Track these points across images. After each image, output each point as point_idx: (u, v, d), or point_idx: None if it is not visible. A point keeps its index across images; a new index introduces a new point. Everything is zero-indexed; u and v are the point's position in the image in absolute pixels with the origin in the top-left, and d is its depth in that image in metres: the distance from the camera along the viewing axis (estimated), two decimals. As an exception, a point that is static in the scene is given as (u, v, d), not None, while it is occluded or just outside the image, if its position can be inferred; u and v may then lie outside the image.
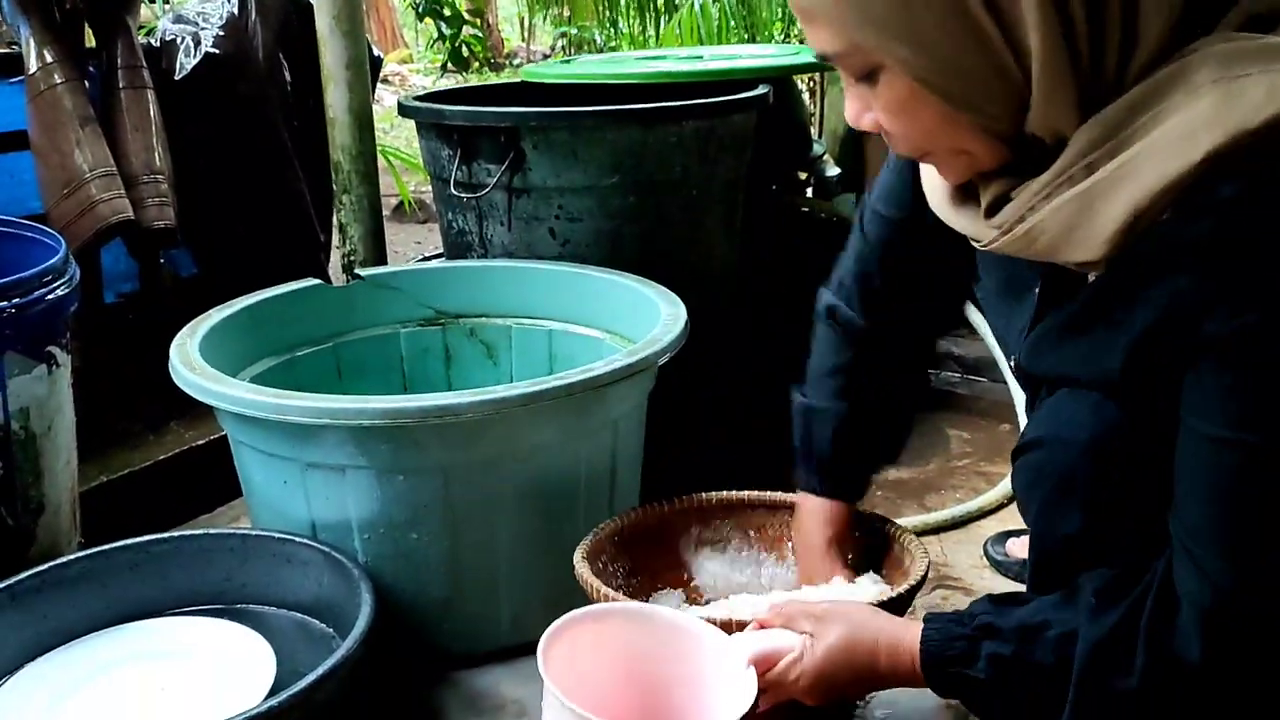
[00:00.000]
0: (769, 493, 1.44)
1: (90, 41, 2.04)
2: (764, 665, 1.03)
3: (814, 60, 2.30)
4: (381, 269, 1.91)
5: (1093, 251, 0.79)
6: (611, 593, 1.21)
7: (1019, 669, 0.92)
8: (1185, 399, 0.81)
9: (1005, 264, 1.00)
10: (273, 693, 1.19)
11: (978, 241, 0.90)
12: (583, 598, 1.24)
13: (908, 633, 1.00)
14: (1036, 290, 0.97)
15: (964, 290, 1.19)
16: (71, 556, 1.39)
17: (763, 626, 1.07)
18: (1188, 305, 0.77)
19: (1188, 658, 0.83)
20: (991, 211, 0.87)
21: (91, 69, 2.00)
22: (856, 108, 0.88)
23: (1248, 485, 0.78)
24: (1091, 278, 0.90)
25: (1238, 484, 0.79)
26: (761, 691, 1.01)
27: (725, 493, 1.46)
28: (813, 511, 1.31)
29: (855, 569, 1.31)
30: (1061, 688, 0.89)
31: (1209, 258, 0.75)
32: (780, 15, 4.98)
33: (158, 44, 2.19)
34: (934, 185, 0.97)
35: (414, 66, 8.47)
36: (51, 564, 1.37)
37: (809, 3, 0.80)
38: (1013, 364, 1.03)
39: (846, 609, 1.09)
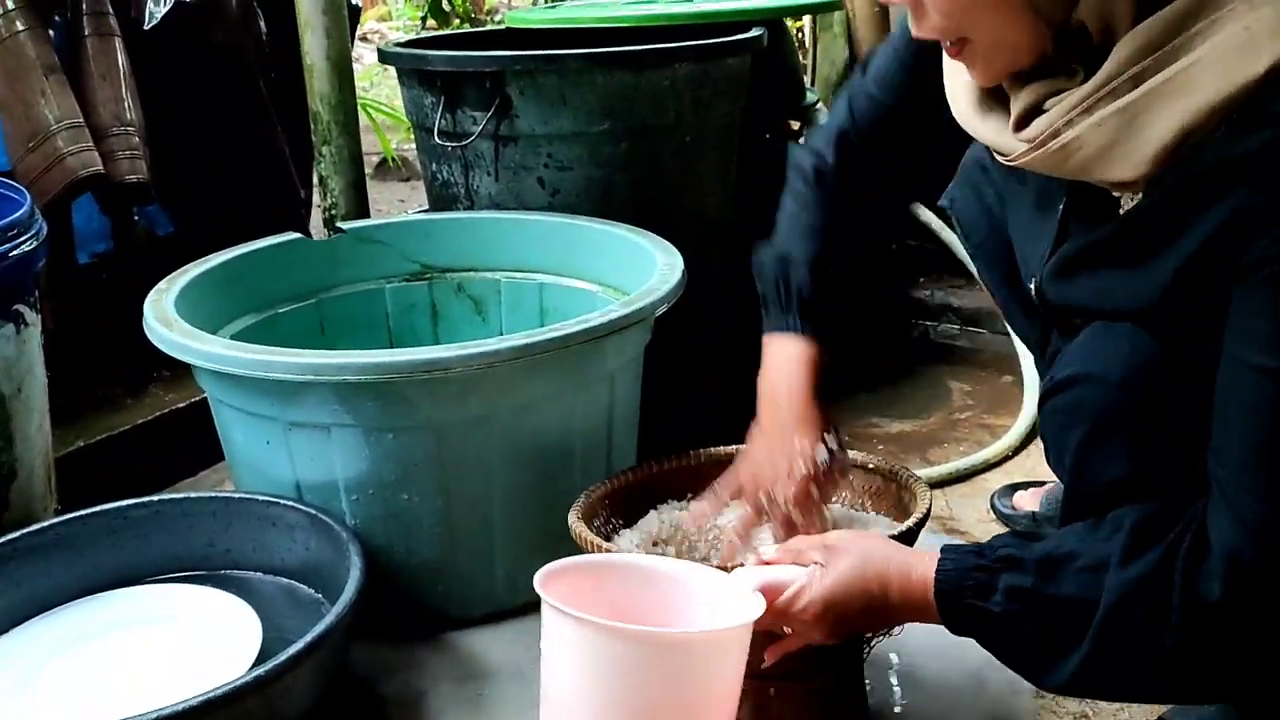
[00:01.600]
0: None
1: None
2: (770, 595, 0.96)
3: (806, 2, 2.23)
4: (364, 222, 1.85)
5: (1134, 170, 0.74)
6: (611, 547, 1.16)
7: (1038, 603, 0.86)
8: (1231, 325, 0.76)
9: (1029, 178, 0.95)
10: (259, 661, 1.14)
11: (1003, 155, 0.85)
12: (580, 546, 1.19)
13: (921, 563, 0.93)
14: (1060, 209, 0.92)
15: (947, 173, 1.13)
16: (47, 523, 1.34)
17: (768, 565, 1.01)
18: (1240, 224, 0.72)
19: (1209, 599, 0.78)
20: (1023, 123, 0.81)
21: (56, 16, 1.91)
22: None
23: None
24: (1124, 199, 0.84)
25: (1277, 417, 0.74)
26: (769, 635, 0.96)
27: (723, 448, 1.40)
28: (792, 355, 1.16)
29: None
30: (1081, 623, 0.84)
31: (1266, 173, 0.70)
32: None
33: (125, -9, 2.10)
34: (958, 91, 0.91)
35: (393, 24, 8.32)
36: (25, 530, 1.32)
37: None
38: (1032, 287, 0.97)
39: (858, 537, 1.02)
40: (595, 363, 1.36)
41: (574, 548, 1.20)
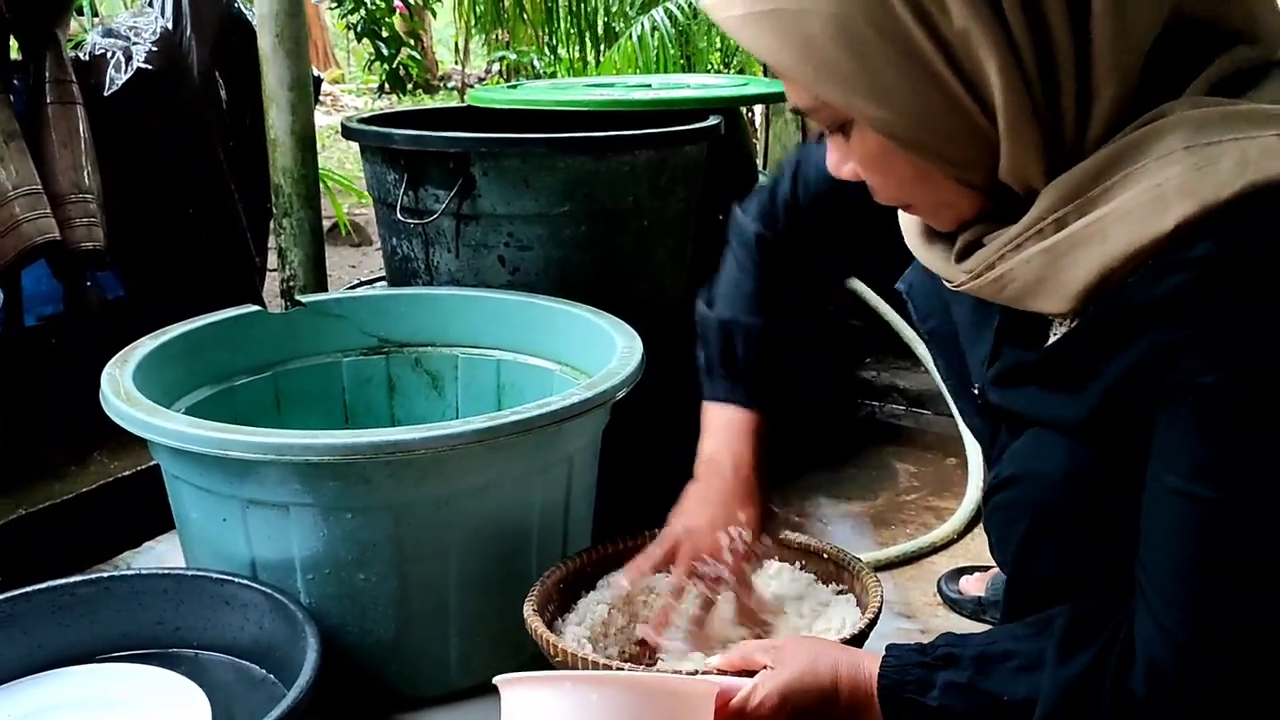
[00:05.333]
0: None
1: (15, 54, 1.95)
2: (723, 698, 0.98)
3: (763, 92, 2.31)
4: (323, 295, 1.86)
5: (1060, 305, 0.80)
6: (566, 645, 1.16)
7: (974, 698, 0.90)
8: (1155, 447, 0.81)
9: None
10: (210, 745, 1.13)
11: (949, 281, 0.90)
12: (533, 641, 1.19)
13: (868, 660, 0.97)
14: (994, 329, 0.97)
15: (890, 253, 1.18)
16: (-11, 599, 1.31)
17: (720, 673, 1.04)
18: (1157, 357, 0.77)
19: (1135, 701, 0.82)
20: (963, 256, 0.87)
21: (17, 83, 1.91)
22: (836, 158, 0.88)
23: (1209, 541, 0.78)
24: (1055, 322, 0.90)
25: (1199, 539, 0.78)
26: None
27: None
28: (735, 424, 1.19)
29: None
30: (1015, 718, 0.87)
31: (1181, 313, 0.74)
32: (719, 46, 5.01)
33: (87, 58, 2.10)
34: (907, 225, 0.97)
35: (346, 87, 8.36)
36: (-33, 607, 1.29)
37: (776, 60, 0.79)
38: (977, 391, 1.02)
39: (804, 639, 1.07)
40: (555, 445, 1.38)
41: (527, 633, 1.21)
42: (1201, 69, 0.76)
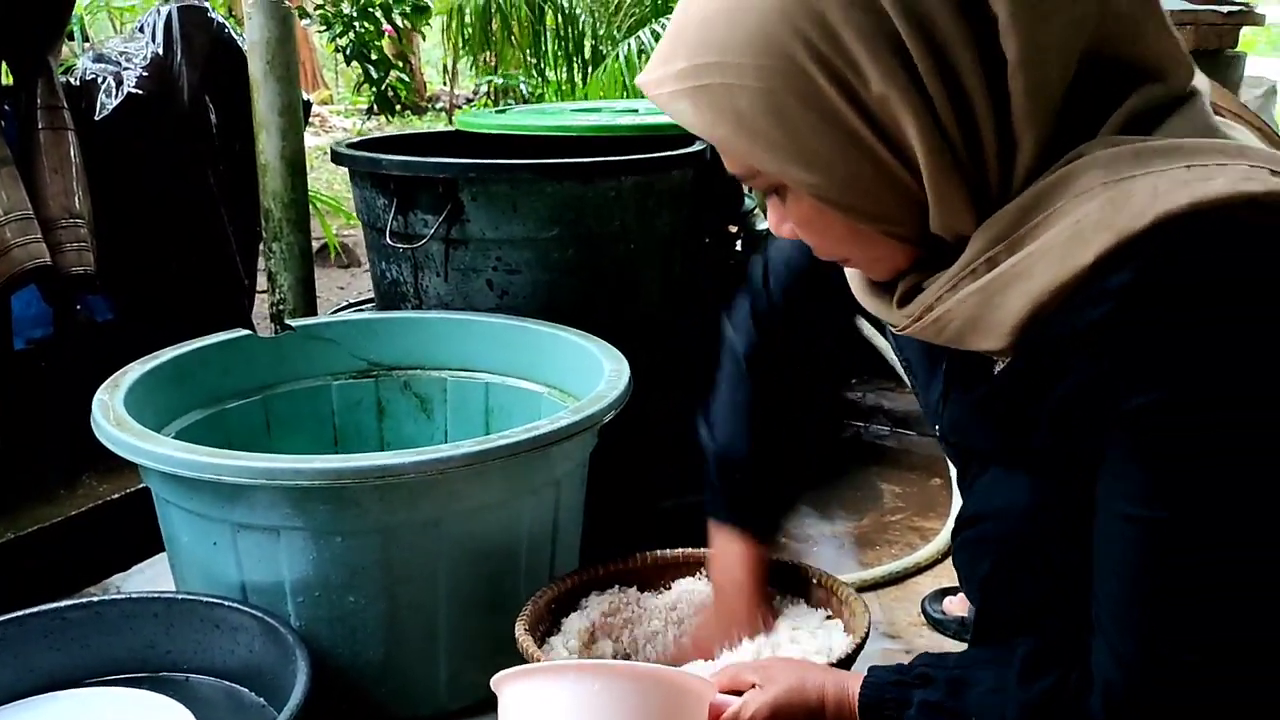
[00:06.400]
0: (703, 549, 1.42)
1: (7, 79, 1.97)
2: (714, 712, 1.02)
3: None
4: (313, 319, 1.87)
5: (996, 341, 0.82)
6: (559, 664, 1.17)
7: (946, 716, 0.94)
8: (1100, 477, 0.83)
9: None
10: (200, 768, 1.14)
11: (893, 326, 0.93)
12: (523, 661, 1.21)
13: (851, 679, 1.02)
14: (943, 369, 1.01)
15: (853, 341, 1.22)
16: (-20, 623, 1.32)
17: None
18: (1088, 389, 0.79)
19: None
20: (903, 302, 0.90)
21: (8, 108, 1.93)
22: (775, 218, 0.90)
23: (1153, 563, 0.80)
24: (998, 360, 0.93)
25: (1146, 562, 0.80)
26: None
27: (663, 551, 1.44)
28: (735, 553, 1.28)
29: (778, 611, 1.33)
30: None
31: (1103, 343, 0.77)
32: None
33: (78, 83, 2.12)
34: (852, 274, 1.00)
35: (334, 108, 8.38)
36: (-42, 632, 1.29)
37: (710, 133, 0.82)
38: (936, 431, 1.05)
39: (792, 660, 1.10)
40: (543, 468, 1.39)
41: (517, 651, 1.22)
42: (1114, 107, 0.79)
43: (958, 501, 1.96)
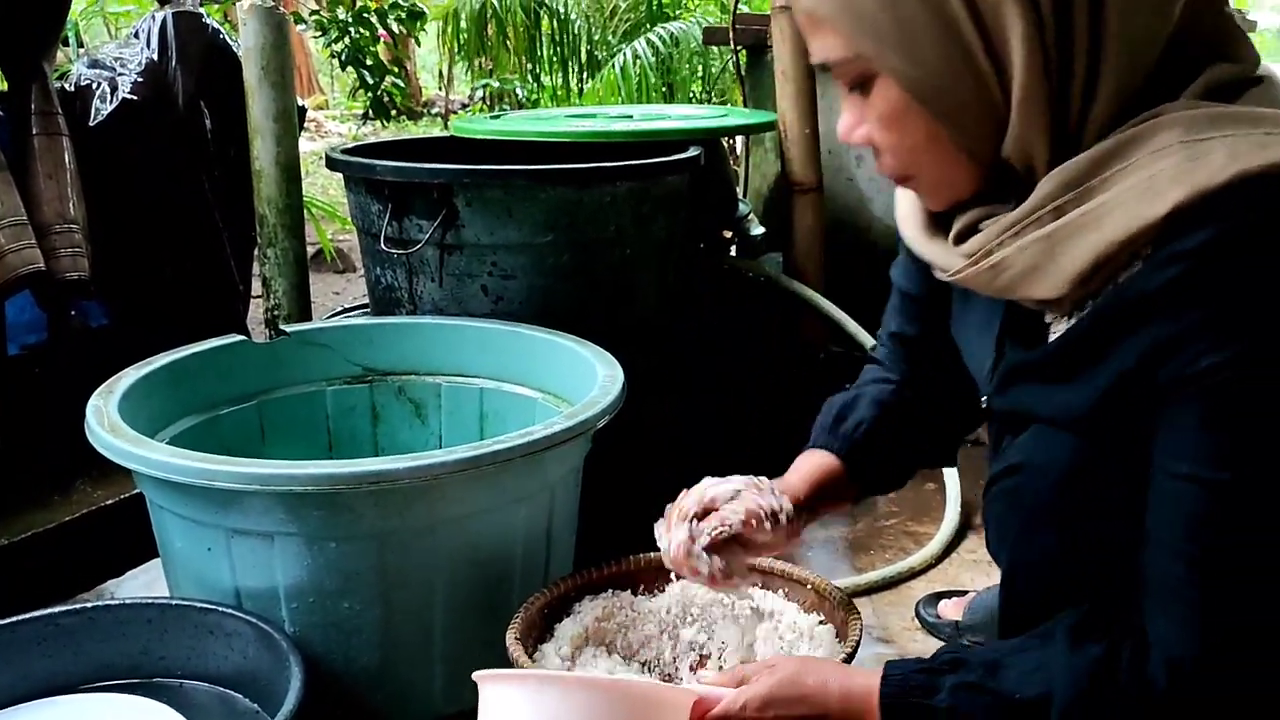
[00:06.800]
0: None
1: (1, 85, 1.97)
2: (704, 707, 0.99)
3: (742, 123, 2.34)
4: (307, 325, 1.87)
5: (1054, 290, 0.83)
6: (550, 675, 1.17)
7: (983, 696, 0.89)
8: (1158, 441, 0.82)
9: (973, 301, 1.03)
10: (194, 774, 1.13)
11: (944, 271, 0.93)
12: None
13: (860, 676, 0.97)
14: (995, 337, 1.00)
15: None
16: (-27, 629, 1.31)
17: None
18: (1162, 349, 0.79)
19: (1155, 693, 0.82)
20: (960, 239, 0.91)
21: (2, 113, 1.93)
22: (850, 121, 0.91)
23: (1217, 527, 0.79)
24: (1049, 320, 0.92)
25: (1207, 526, 0.80)
26: None
27: (657, 554, 1.44)
28: (811, 456, 1.20)
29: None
30: (1031, 716, 0.86)
31: (1181, 302, 0.77)
32: (699, 75, 5.07)
33: (72, 89, 2.12)
34: (907, 214, 1.00)
35: (330, 113, 8.39)
36: (-49, 638, 1.29)
37: (817, 10, 0.85)
38: (984, 401, 1.03)
39: (796, 657, 1.07)
40: (538, 474, 1.39)
41: (510, 662, 1.22)
42: (1191, 81, 0.82)
43: (953, 506, 1.96)
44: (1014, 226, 0.84)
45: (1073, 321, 0.88)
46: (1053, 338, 0.92)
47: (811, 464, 1.20)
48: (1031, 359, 0.93)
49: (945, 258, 0.93)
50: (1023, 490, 0.95)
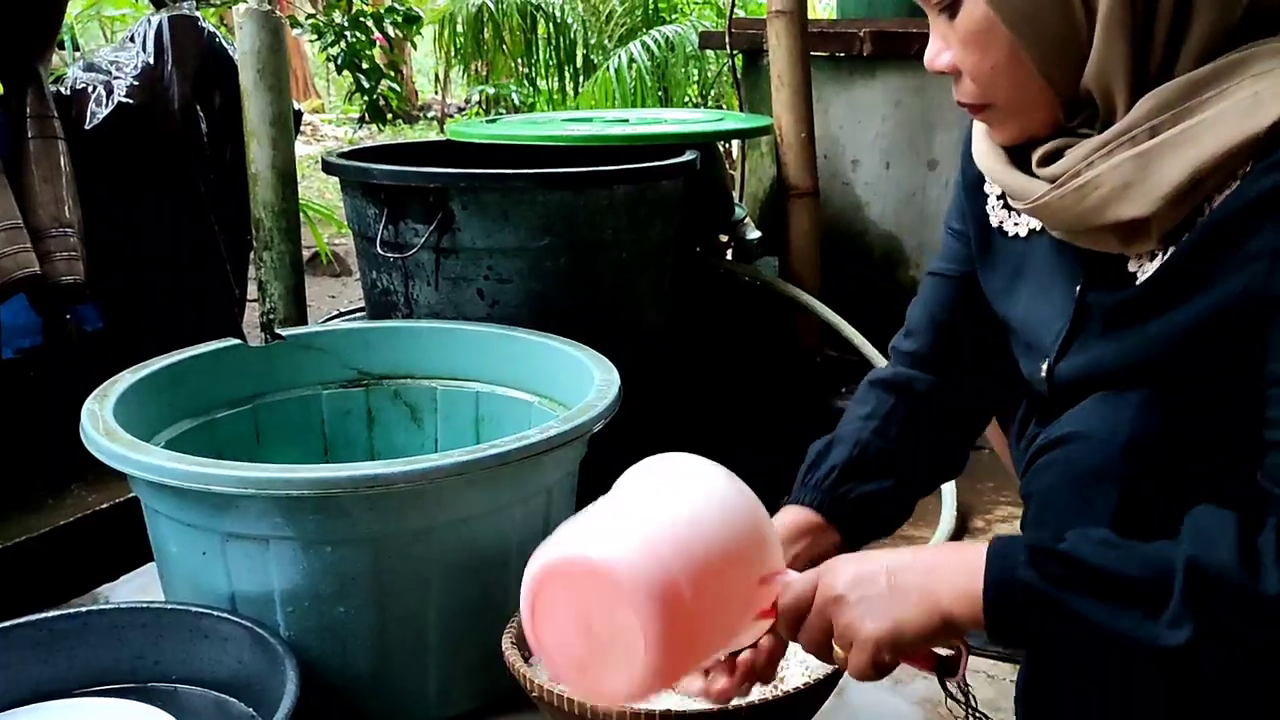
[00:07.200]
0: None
1: (-3, 89, 1.97)
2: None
3: (738, 127, 2.35)
4: (303, 329, 1.87)
5: (1146, 207, 0.82)
6: (542, 680, 1.17)
7: (1108, 550, 0.80)
8: (1271, 354, 0.79)
9: (1036, 266, 0.99)
10: (189, 779, 1.13)
11: (1022, 200, 0.92)
12: (511, 674, 1.21)
13: (950, 552, 0.92)
14: (1078, 288, 0.95)
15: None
16: (-33, 634, 1.31)
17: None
18: (1269, 259, 0.77)
19: None
20: (1045, 163, 0.89)
21: (-2, 117, 1.93)
22: (935, 47, 0.92)
23: None
24: (1135, 267, 0.89)
25: None
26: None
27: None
28: (782, 521, 1.08)
29: None
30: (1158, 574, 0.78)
31: None
32: (695, 79, 5.07)
33: (68, 92, 2.12)
34: (984, 150, 0.98)
35: (326, 117, 8.39)
36: (-55, 642, 1.29)
37: None
38: (1044, 370, 0.97)
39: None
40: (533, 478, 1.39)
41: (507, 666, 1.22)
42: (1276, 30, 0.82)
43: (949, 509, 1.96)
44: (1105, 146, 0.84)
45: (1166, 257, 0.86)
46: (1142, 278, 0.89)
47: (786, 521, 1.09)
48: (1126, 297, 0.89)
49: (1027, 185, 0.91)
50: (1076, 458, 0.89)
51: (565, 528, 0.87)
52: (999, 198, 1.04)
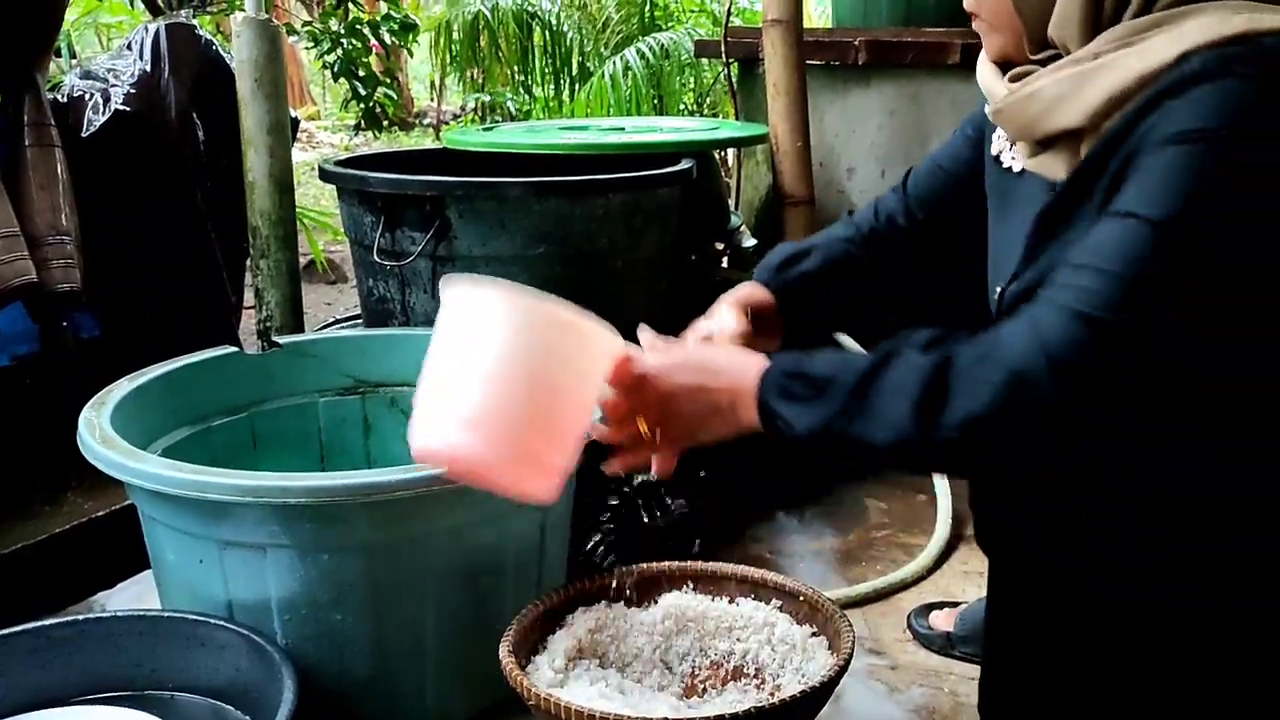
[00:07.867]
0: (690, 563, 1.43)
1: (-6, 97, 1.97)
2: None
3: (734, 135, 2.35)
4: (300, 336, 1.87)
5: (1076, 119, 0.92)
6: (541, 691, 1.17)
7: (886, 364, 0.92)
8: (1107, 201, 0.89)
9: (1021, 196, 1.08)
10: (186, 787, 1.13)
11: (992, 100, 1.03)
12: (508, 681, 1.21)
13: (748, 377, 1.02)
14: (1040, 208, 1.03)
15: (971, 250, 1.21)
16: (-36, 642, 1.31)
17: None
18: (1147, 131, 0.87)
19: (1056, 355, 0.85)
20: (1014, 80, 1.01)
21: (-6, 124, 1.93)
22: None
23: (1136, 252, 0.85)
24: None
25: (1127, 251, 0.85)
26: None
27: (650, 564, 1.44)
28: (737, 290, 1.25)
29: None
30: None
31: (1174, 94, 0.86)
32: (691, 87, 5.08)
33: (65, 100, 2.13)
34: (984, 65, 1.08)
35: (322, 124, 8.40)
36: (-58, 650, 1.29)
37: None
38: (997, 293, 1.07)
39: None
40: (530, 485, 1.39)
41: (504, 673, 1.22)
42: None
43: (945, 517, 1.97)
44: (1057, 69, 0.95)
45: (1078, 165, 0.95)
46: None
47: (740, 292, 1.25)
48: (1048, 208, 0.98)
49: (997, 86, 1.02)
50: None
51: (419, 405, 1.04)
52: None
